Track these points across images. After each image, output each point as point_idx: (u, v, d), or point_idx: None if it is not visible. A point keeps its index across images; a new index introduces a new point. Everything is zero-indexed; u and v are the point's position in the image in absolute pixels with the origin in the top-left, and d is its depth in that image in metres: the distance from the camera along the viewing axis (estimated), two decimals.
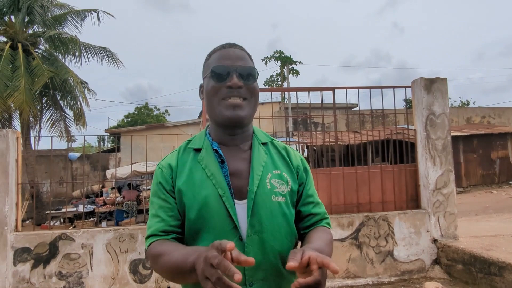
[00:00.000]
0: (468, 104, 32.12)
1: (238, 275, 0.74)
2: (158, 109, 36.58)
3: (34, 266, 4.19)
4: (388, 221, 4.75)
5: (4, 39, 12.48)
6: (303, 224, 1.17)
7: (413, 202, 5.07)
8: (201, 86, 1.20)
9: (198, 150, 1.14)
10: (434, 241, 4.77)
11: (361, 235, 4.69)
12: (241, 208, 1.06)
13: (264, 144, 1.18)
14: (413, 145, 5.22)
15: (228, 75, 1.08)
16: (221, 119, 1.10)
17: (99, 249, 4.30)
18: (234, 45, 1.15)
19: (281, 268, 1.06)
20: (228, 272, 0.74)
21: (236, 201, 1.07)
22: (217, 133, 1.15)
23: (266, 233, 1.05)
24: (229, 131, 1.13)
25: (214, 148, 1.13)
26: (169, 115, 37.38)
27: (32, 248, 4.21)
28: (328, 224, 1.20)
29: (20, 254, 4.18)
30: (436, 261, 4.74)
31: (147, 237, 1.09)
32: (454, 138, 14.93)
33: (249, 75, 1.10)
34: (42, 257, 4.21)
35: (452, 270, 4.48)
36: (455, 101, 33.27)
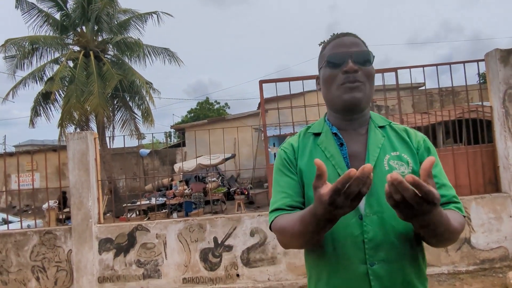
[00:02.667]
0: None
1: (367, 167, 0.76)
2: (219, 103, 37.62)
3: (116, 255, 4.59)
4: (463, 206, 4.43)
5: (78, 48, 13.64)
6: None
7: (492, 185, 4.66)
8: (317, 78, 1.25)
9: (317, 135, 1.20)
10: None
11: None
12: None
13: (382, 127, 1.19)
14: (489, 124, 4.78)
15: (343, 61, 1.11)
16: (340, 103, 1.13)
17: (172, 239, 4.58)
18: (347, 34, 1.17)
19: (404, 249, 1.03)
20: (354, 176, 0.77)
21: None
22: (335, 119, 1.19)
23: (386, 213, 1.04)
24: (347, 116, 1.16)
25: (334, 131, 1.17)
26: (229, 108, 38.26)
27: (114, 239, 4.60)
28: (459, 208, 1.05)
29: (104, 244, 4.60)
30: None
31: (272, 211, 1.13)
32: None
33: (365, 59, 1.12)
34: (122, 246, 4.59)
35: None
36: None
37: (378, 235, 1.02)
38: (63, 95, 13.03)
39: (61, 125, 12.63)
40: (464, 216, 1.07)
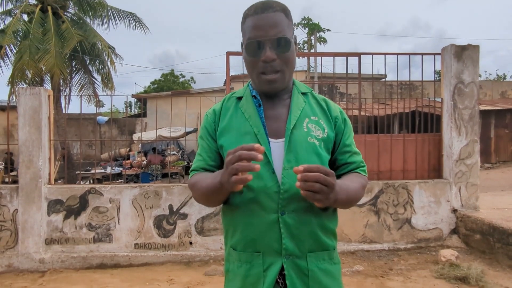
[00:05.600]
0: (504, 77, 30.58)
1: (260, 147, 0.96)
2: (184, 76, 36.81)
3: (66, 217, 4.48)
4: (407, 189, 4.74)
5: (34, 1, 12.70)
6: (339, 172, 1.25)
7: (435, 172, 5.01)
8: (242, 44, 1.23)
9: (240, 99, 1.27)
10: (454, 211, 4.75)
11: (379, 202, 4.72)
12: (277, 146, 1.16)
13: (304, 94, 1.27)
14: (439, 118, 5.10)
15: (262, 48, 1.13)
16: (260, 90, 1.22)
17: (126, 204, 4.53)
18: (267, 9, 1.13)
19: (313, 204, 1.12)
20: (248, 152, 0.95)
21: (271, 139, 1.17)
22: (257, 87, 1.26)
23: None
24: None
25: (253, 94, 1.24)
26: (194, 82, 37.58)
27: (64, 200, 4.48)
28: (363, 171, 1.27)
29: (53, 205, 4.47)
30: (454, 231, 4.74)
31: (190, 171, 1.28)
32: (486, 112, 14.37)
33: (282, 45, 1.13)
34: (73, 209, 4.49)
35: (470, 239, 4.48)
36: (490, 74, 31.75)
37: (293, 187, 1.10)
38: (15, 51, 12.16)
39: (12, 83, 11.83)
40: (366, 176, 1.29)
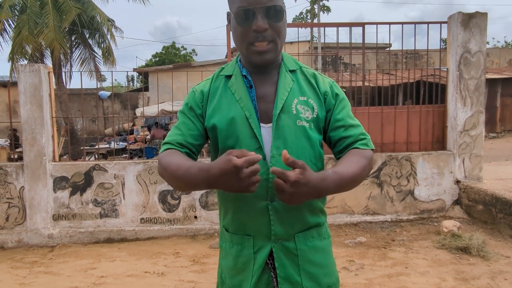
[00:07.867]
0: None
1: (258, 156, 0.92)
2: (185, 49, 36.28)
3: (72, 194, 4.54)
4: (411, 161, 4.74)
5: None
6: (336, 149, 1.20)
7: (439, 143, 4.98)
8: (228, 14, 1.18)
9: (229, 77, 1.20)
10: (457, 182, 4.75)
11: (382, 174, 4.73)
12: (266, 131, 1.13)
13: (293, 71, 1.20)
14: (444, 88, 5.01)
15: (253, 16, 1.06)
16: (250, 62, 1.15)
17: (130, 180, 4.58)
18: None
19: None
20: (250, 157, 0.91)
21: (262, 124, 1.13)
22: (247, 62, 1.19)
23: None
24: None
25: (244, 74, 1.17)
26: (196, 54, 37.06)
27: (69, 177, 4.53)
28: (364, 144, 1.15)
29: (59, 182, 4.53)
30: (457, 202, 4.76)
31: (164, 143, 1.17)
32: (492, 81, 14.12)
33: (274, 14, 1.07)
34: (79, 185, 4.55)
35: (472, 210, 4.51)
36: (498, 42, 30.99)
37: None
38: (13, 26, 11.97)
39: (12, 59, 11.73)
40: (372, 149, 1.17)
